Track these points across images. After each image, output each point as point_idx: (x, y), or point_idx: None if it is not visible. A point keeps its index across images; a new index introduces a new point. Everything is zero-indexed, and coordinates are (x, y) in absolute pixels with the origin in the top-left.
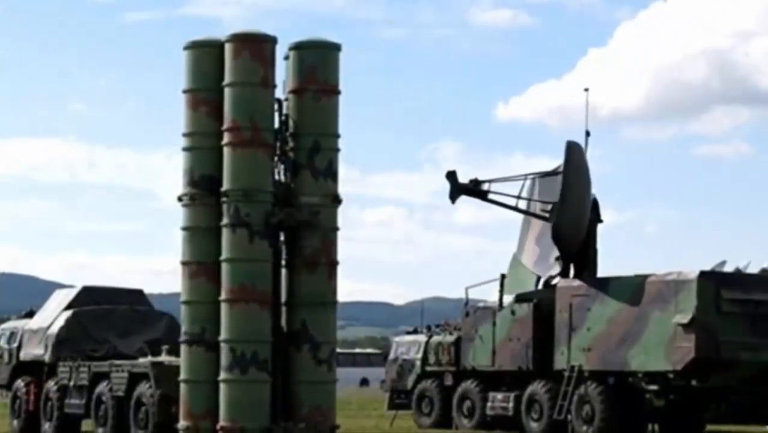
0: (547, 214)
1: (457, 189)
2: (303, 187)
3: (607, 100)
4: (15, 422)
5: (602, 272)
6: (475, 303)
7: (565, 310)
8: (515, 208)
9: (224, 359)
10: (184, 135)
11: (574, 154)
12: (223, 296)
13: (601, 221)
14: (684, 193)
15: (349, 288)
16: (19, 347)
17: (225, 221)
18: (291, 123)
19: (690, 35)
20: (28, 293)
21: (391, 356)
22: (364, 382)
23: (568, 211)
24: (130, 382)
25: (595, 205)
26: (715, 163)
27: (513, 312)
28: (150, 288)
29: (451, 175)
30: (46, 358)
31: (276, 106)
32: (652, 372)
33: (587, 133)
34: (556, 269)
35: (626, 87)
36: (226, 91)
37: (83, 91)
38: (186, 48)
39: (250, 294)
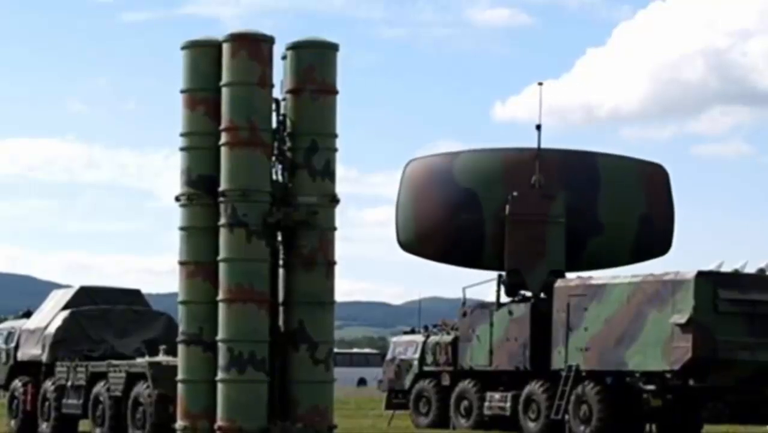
0: None
1: None
2: (301, 187)
3: (605, 99)
4: (12, 422)
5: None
6: (473, 303)
7: (562, 310)
8: None
9: (222, 358)
10: (182, 135)
11: (407, 174)
12: (220, 295)
13: (515, 217)
14: (683, 192)
15: (346, 288)
16: (16, 347)
17: (222, 220)
18: (288, 123)
19: (688, 35)
20: (25, 292)
21: (389, 355)
22: (362, 382)
23: (406, 226)
24: (128, 382)
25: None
26: (715, 163)
27: (510, 312)
28: (147, 288)
29: None
30: (44, 358)
31: (274, 106)
32: (649, 372)
33: (538, 127)
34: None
35: (625, 87)
36: (224, 90)
37: (83, 91)
38: (183, 48)
39: (247, 294)
